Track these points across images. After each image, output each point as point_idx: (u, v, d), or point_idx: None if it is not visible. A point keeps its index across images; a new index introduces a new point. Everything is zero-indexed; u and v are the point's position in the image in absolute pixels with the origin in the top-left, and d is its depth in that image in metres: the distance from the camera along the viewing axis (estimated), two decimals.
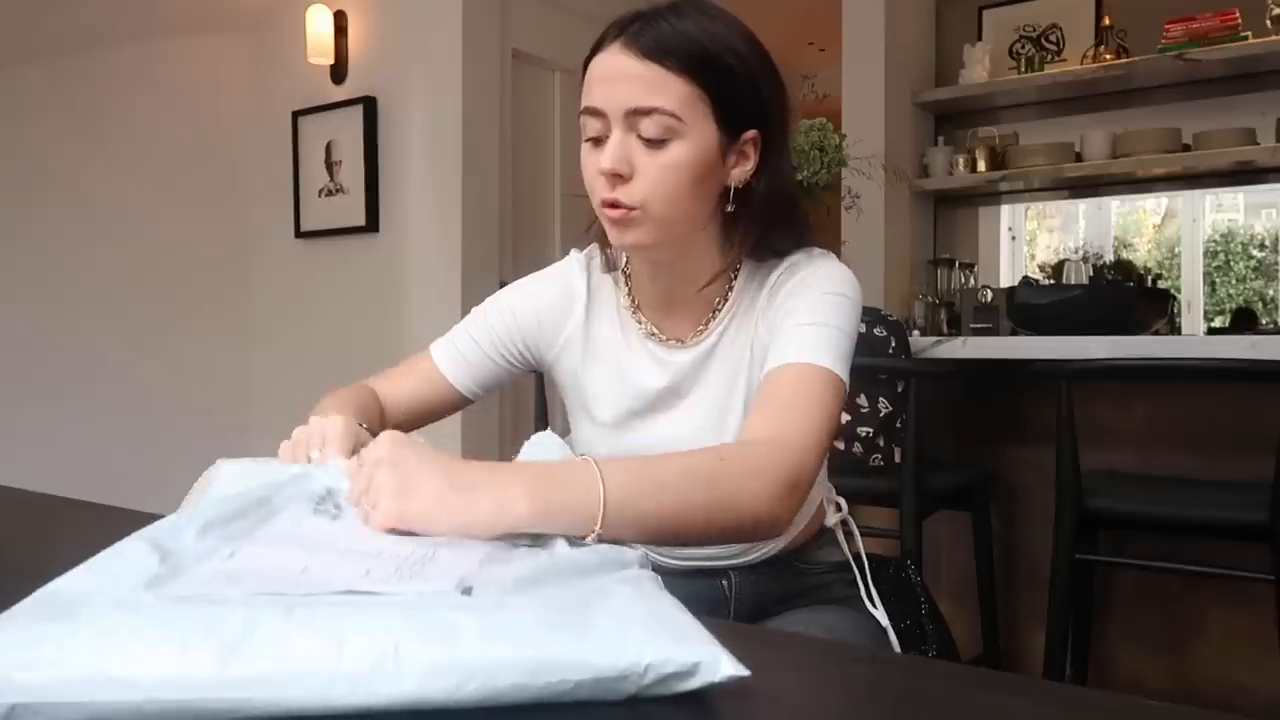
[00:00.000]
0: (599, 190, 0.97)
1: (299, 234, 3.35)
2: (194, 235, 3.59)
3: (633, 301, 1.10)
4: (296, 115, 3.33)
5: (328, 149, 3.27)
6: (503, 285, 1.24)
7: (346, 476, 0.71)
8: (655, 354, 1.08)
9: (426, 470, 0.65)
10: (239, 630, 0.43)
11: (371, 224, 3.17)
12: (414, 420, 1.14)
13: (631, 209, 0.95)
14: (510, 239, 3.16)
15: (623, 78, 0.94)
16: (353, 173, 3.20)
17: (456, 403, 1.16)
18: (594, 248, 1.14)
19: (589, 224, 1.08)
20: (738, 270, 1.07)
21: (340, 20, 3.22)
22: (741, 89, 0.97)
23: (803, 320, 0.97)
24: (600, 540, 0.68)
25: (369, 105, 3.16)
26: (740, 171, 1.00)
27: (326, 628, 0.43)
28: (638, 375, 1.08)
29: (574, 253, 1.16)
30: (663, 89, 0.93)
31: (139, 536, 0.56)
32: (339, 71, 3.25)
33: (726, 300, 1.07)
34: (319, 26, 3.19)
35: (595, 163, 0.97)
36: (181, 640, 0.42)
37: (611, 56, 0.95)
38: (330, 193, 3.27)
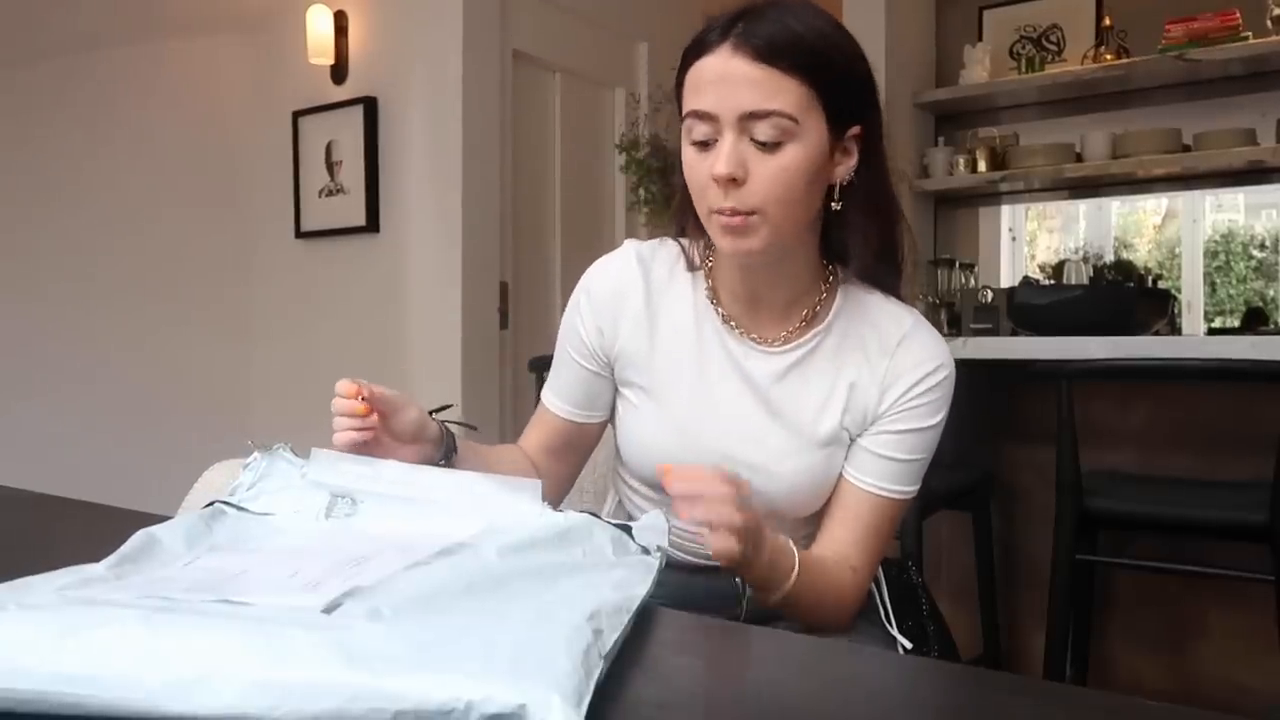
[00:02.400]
0: (710, 197, 0.95)
1: (299, 234, 3.35)
2: (194, 235, 3.59)
3: (713, 293, 1.08)
4: (297, 115, 3.32)
5: (328, 149, 3.26)
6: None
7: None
8: (734, 353, 1.06)
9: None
10: (88, 630, 0.45)
11: (372, 224, 3.17)
12: (558, 463, 1.16)
13: (748, 214, 0.94)
14: (511, 239, 3.16)
15: (737, 81, 0.92)
16: (353, 173, 3.20)
17: (577, 431, 1.15)
18: (662, 240, 1.12)
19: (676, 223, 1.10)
20: (829, 281, 1.07)
21: (341, 20, 3.22)
22: (848, 84, 0.97)
23: (913, 453, 1.05)
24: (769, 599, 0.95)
25: (369, 105, 3.16)
26: (844, 169, 0.99)
27: (169, 635, 0.45)
28: (714, 377, 1.07)
29: (629, 243, 1.14)
30: (778, 91, 0.92)
31: (144, 531, 0.60)
32: (339, 72, 3.24)
33: (818, 314, 1.06)
34: (319, 26, 3.19)
35: (705, 167, 0.95)
36: (32, 635, 0.44)
37: (721, 60, 0.93)
38: (330, 193, 3.27)
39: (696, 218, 1.04)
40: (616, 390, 1.14)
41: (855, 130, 0.98)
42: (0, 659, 0.43)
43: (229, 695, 0.42)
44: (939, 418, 1.05)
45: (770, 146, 0.93)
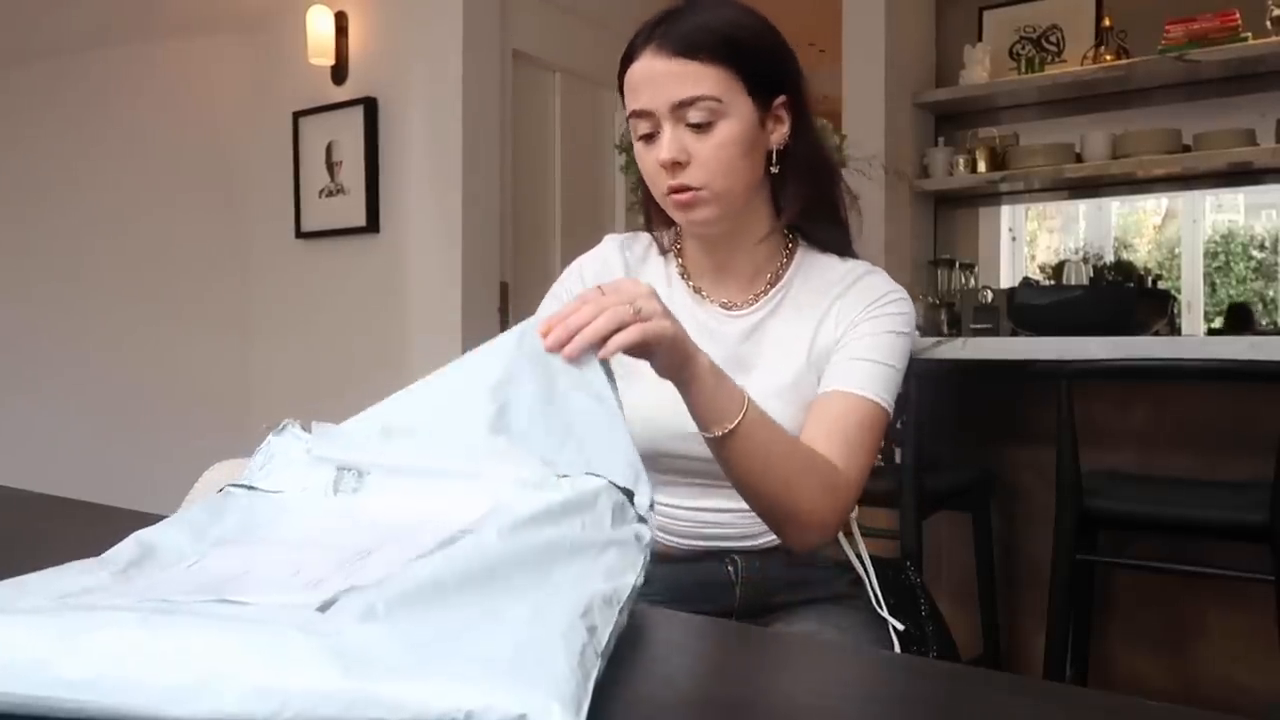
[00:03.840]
0: (661, 180, 1.07)
1: (299, 234, 3.35)
2: (194, 235, 3.59)
3: (684, 270, 1.18)
4: (297, 116, 3.33)
5: (328, 149, 3.27)
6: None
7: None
8: (704, 321, 1.14)
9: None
10: (87, 633, 0.44)
11: (372, 224, 3.17)
12: None
13: (698, 190, 1.05)
14: (511, 239, 3.16)
15: (662, 77, 1.04)
16: (353, 173, 3.20)
17: None
18: (635, 233, 1.23)
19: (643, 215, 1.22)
20: (789, 248, 1.17)
21: (341, 21, 3.23)
22: (765, 61, 1.07)
23: (876, 356, 1.08)
24: (722, 438, 0.93)
25: (369, 106, 3.16)
26: (779, 135, 1.10)
27: (168, 638, 0.44)
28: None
29: (608, 236, 1.25)
30: (699, 79, 1.03)
31: (135, 536, 0.59)
32: (339, 72, 3.25)
33: (780, 275, 1.15)
34: (320, 27, 3.19)
35: (653, 156, 1.06)
36: (31, 638, 0.44)
37: (647, 61, 1.05)
38: (331, 193, 3.27)
39: (658, 207, 1.14)
40: None
41: (781, 99, 1.08)
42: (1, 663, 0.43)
43: (229, 701, 0.42)
44: (899, 329, 1.10)
45: (704, 128, 1.04)
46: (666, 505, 1.13)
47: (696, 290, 1.17)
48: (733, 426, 0.93)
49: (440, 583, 0.53)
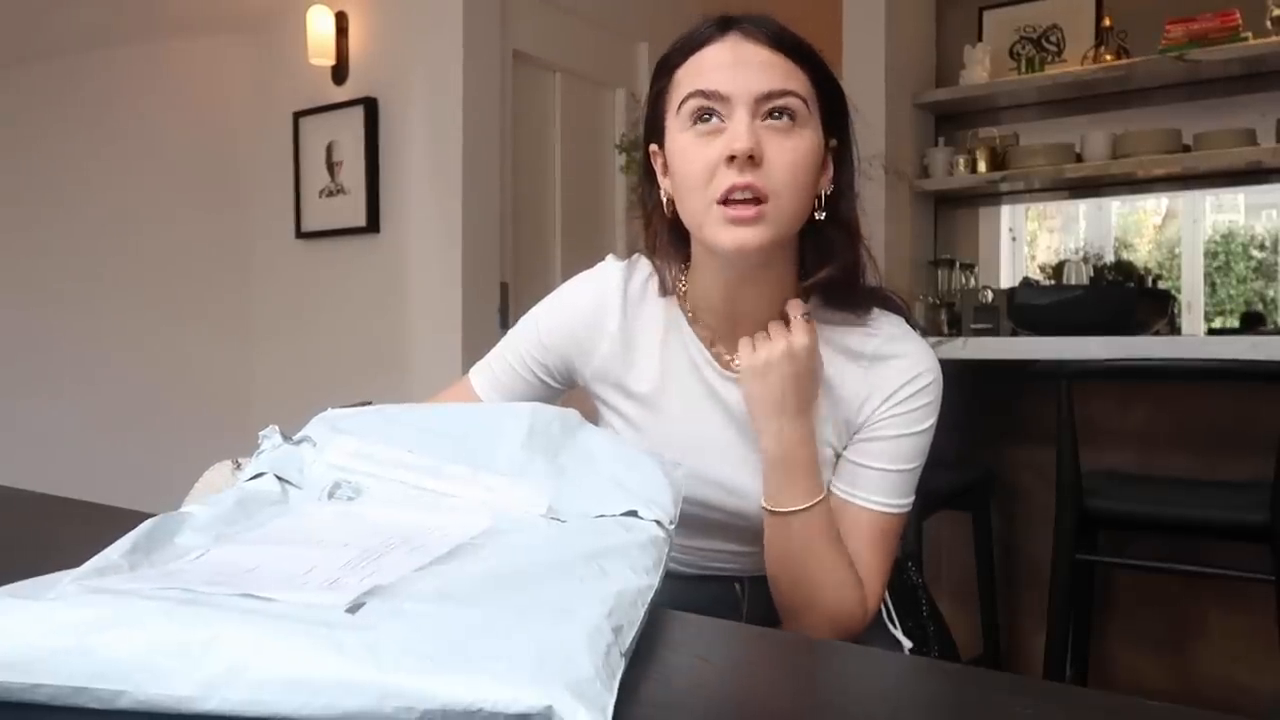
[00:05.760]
0: (719, 179, 0.91)
1: (299, 234, 3.35)
2: (195, 235, 3.59)
3: (690, 319, 1.05)
4: (297, 116, 3.33)
5: (328, 149, 3.26)
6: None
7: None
8: (710, 381, 1.04)
9: (793, 383, 0.97)
10: (117, 624, 0.44)
11: (372, 224, 3.17)
12: None
13: (763, 201, 0.91)
14: (511, 239, 3.16)
15: (751, 63, 0.93)
16: (353, 173, 3.20)
17: None
18: (635, 258, 1.09)
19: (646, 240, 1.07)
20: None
21: (341, 21, 3.22)
22: (835, 89, 0.99)
23: (904, 462, 1.02)
24: (779, 512, 0.97)
25: (370, 106, 3.16)
26: (826, 179, 0.99)
27: (200, 629, 0.44)
28: (691, 404, 1.04)
29: (610, 259, 1.10)
30: (791, 75, 0.94)
31: (140, 529, 0.58)
32: (340, 72, 3.25)
33: None
34: (320, 27, 3.19)
35: (715, 149, 0.92)
36: (61, 629, 0.44)
37: (730, 46, 0.94)
38: (331, 193, 3.27)
39: (673, 237, 1.02)
40: (591, 398, 1.11)
41: (833, 142, 1.00)
42: (33, 652, 0.43)
43: (260, 692, 0.42)
44: (926, 425, 1.02)
45: (785, 128, 0.92)
46: (676, 540, 1.07)
47: (702, 343, 1.04)
48: (793, 511, 0.97)
49: (465, 584, 0.53)
